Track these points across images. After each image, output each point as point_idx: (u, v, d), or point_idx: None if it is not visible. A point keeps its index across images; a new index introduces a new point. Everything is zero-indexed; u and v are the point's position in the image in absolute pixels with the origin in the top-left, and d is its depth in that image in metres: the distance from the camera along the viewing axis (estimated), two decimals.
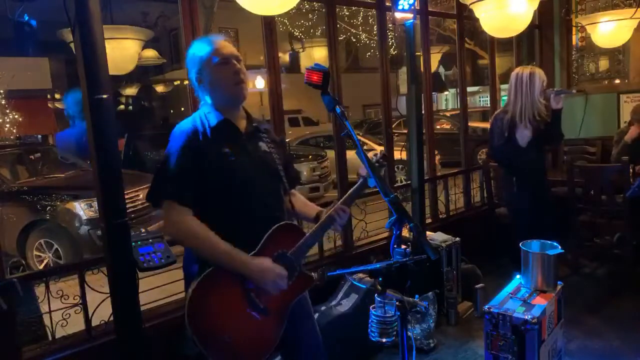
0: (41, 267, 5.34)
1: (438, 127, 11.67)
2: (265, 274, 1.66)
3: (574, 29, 5.42)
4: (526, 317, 2.26)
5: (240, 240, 1.67)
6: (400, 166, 7.67)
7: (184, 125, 1.76)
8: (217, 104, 1.79)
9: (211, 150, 1.70)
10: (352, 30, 15.15)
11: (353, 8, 12.84)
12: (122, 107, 18.26)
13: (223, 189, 1.70)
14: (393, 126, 4.10)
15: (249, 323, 1.69)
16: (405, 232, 3.24)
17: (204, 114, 1.78)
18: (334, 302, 3.09)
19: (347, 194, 1.87)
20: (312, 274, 1.81)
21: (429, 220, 4.26)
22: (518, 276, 2.64)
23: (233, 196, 1.71)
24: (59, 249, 5.39)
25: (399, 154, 4.03)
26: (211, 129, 1.73)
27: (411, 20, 3.29)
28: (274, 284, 1.67)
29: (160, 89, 18.20)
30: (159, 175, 1.72)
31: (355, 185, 1.86)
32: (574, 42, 5.48)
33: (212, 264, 1.64)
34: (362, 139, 10.13)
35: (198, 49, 1.77)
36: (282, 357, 2.00)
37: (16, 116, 12.43)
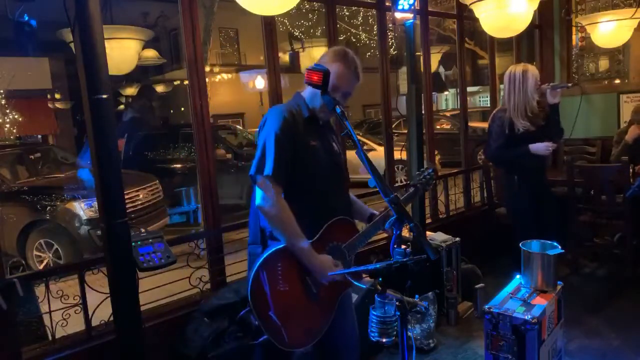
0: (41, 267, 5.34)
1: (438, 127, 11.68)
2: (323, 269, 1.76)
3: (574, 29, 5.42)
4: (526, 317, 2.25)
5: (304, 225, 1.77)
6: (400, 166, 7.67)
7: (282, 109, 1.85)
8: (312, 105, 1.89)
9: (302, 138, 1.82)
10: (352, 30, 15.15)
11: (353, 8, 12.86)
12: (122, 107, 18.27)
13: (305, 176, 1.83)
14: (393, 126, 4.10)
15: (303, 305, 1.80)
16: (405, 232, 3.24)
17: (297, 105, 1.89)
18: None
19: (402, 198, 1.95)
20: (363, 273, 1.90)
21: (429, 220, 4.26)
22: (518, 276, 2.64)
23: (311, 185, 1.85)
24: (59, 249, 5.39)
25: (399, 154, 4.03)
26: (304, 120, 1.85)
27: (411, 20, 3.29)
28: (327, 277, 1.77)
29: (160, 89, 18.18)
30: (263, 152, 1.78)
31: (407, 193, 2.00)
32: (574, 42, 5.48)
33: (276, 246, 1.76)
34: (362, 139, 10.13)
35: (347, 61, 1.83)
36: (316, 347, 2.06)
37: (16, 116, 12.43)
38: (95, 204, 4.80)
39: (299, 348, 1.86)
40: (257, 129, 1.90)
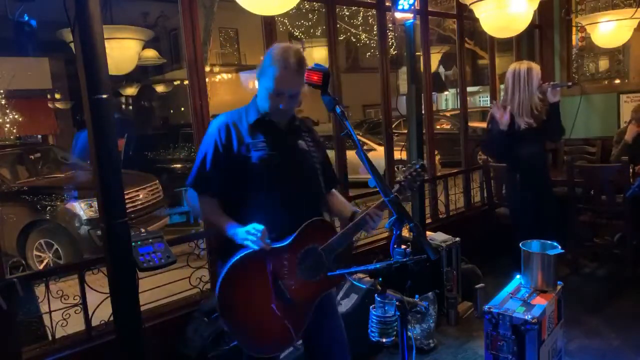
0: (41, 267, 5.34)
1: (438, 127, 11.66)
2: (245, 236, 1.72)
3: (574, 29, 5.42)
4: (526, 317, 2.25)
5: (274, 230, 1.74)
6: (400, 166, 7.65)
7: (220, 119, 1.86)
8: (262, 108, 1.85)
9: (242, 145, 1.80)
10: (352, 30, 15.13)
11: (353, 8, 12.85)
12: (122, 107, 18.27)
13: (255, 181, 1.79)
14: (393, 126, 4.10)
15: (274, 311, 1.75)
16: (405, 232, 3.24)
17: (247, 109, 1.88)
18: None
19: (382, 199, 1.86)
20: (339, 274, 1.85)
21: (429, 220, 4.26)
22: (518, 276, 2.63)
23: (264, 189, 1.80)
24: (59, 249, 5.39)
25: (399, 154, 4.03)
26: (249, 124, 1.83)
27: (411, 20, 3.29)
28: (254, 241, 1.70)
29: (160, 89, 18.18)
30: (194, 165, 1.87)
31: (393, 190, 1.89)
32: (574, 42, 5.48)
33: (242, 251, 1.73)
34: (362, 139, 10.13)
35: (274, 64, 1.76)
36: (305, 352, 2.07)
37: (16, 116, 12.43)
38: (95, 204, 4.81)
39: (270, 354, 1.82)
40: None
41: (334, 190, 2.07)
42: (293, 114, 1.91)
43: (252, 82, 15.85)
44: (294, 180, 1.84)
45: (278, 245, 1.75)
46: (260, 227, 1.70)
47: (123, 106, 18.38)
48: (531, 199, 3.50)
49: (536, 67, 3.35)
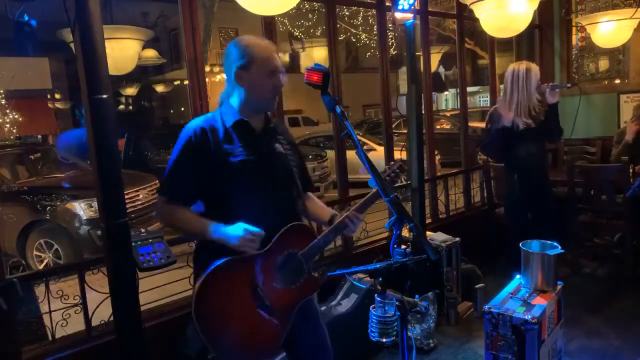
0: (41, 267, 5.34)
1: (438, 127, 11.67)
2: (230, 237, 1.67)
3: (574, 29, 5.42)
4: (526, 317, 2.26)
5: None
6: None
7: (193, 123, 1.78)
8: (244, 105, 1.79)
9: (221, 149, 1.73)
10: (352, 30, 15.14)
11: (353, 8, 12.85)
12: (122, 106, 18.27)
13: (234, 186, 1.73)
14: (393, 126, 4.10)
15: (255, 320, 1.71)
16: (405, 232, 3.25)
17: (222, 113, 1.80)
18: (334, 302, 3.09)
19: (361, 202, 1.86)
20: (316, 275, 1.83)
21: (429, 220, 4.25)
22: (518, 276, 2.64)
23: (244, 194, 1.74)
24: (59, 249, 5.39)
25: (399, 154, 4.03)
26: (226, 128, 1.76)
27: (411, 20, 3.29)
28: (240, 241, 1.66)
29: (160, 89, 18.20)
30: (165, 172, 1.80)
31: (369, 195, 1.85)
32: (574, 42, 5.48)
33: (220, 258, 1.66)
34: (362, 139, 10.13)
35: (254, 47, 1.73)
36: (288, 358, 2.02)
37: (16, 116, 12.44)
38: (95, 204, 4.81)
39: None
40: None
41: (309, 193, 2.03)
42: (268, 115, 1.88)
43: None
44: (272, 184, 1.80)
45: (257, 252, 1.69)
46: (254, 229, 1.66)
47: (122, 106, 18.38)
48: (528, 200, 3.52)
49: (535, 68, 3.36)
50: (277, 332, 1.75)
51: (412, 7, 3.16)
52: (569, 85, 3.68)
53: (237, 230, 1.66)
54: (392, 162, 1.88)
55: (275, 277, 1.74)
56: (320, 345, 1.95)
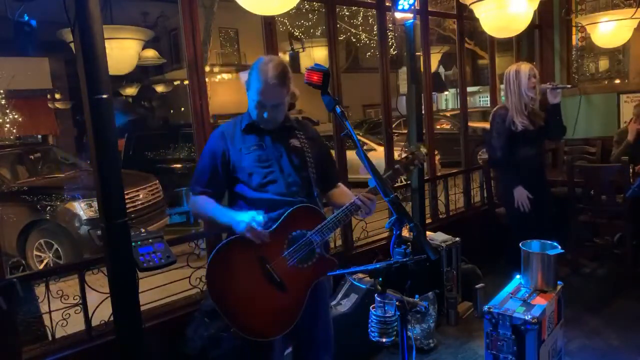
0: (41, 267, 5.34)
1: (438, 127, 11.66)
2: (240, 225, 1.81)
3: (574, 29, 5.42)
4: (526, 317, 2.25)
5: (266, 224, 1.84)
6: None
7: (217, 129, 2.05)
8: (252, 114, 1.99)
9: (235, 147, 1.96)
10: (352, 30, 15.13)
11: (353, 8, 12.84)
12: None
13: (247, 176, 1.93)
14: (393, 126, 4.10)
15: (266, 295, 1.82)
16: (405, 232, 3.24)
17: (241, 117, 2.03)
18: (333, 302, 3.09)
19: (373, 187, 1.89)
20: (334, 258, 1.92)
21: (429, 220, 4.25)
22: (518, 276, 2.64)
23: (259, 186, 1.93)
24: (59, 249, 5.39)
25: (399, 154, 4.02)
26: (241, 130, 1.98)
27: (411, 20, 3.29)
28: (249, 231, 1.79)
29: (160, 89, 18.19)
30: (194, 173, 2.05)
31: (388, 173, 1.95)
32: (574, 42, 5.48)
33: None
34: (362, 139, 10.13)
35: (255, 73, 1.88)
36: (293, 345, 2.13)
37: (16, 116, 12.44)
38: (95, 204, 4.81)
39: (270, 337, 1.87)
40: None
41: (339, 183, 2.16)
42: (284, 118, 2.00)
43: None
44: (282, 173, 1.94)
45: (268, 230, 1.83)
46: (260, 218, 1.79)
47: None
48: (530, 200, 3.52)
49: (525, 68, 3.37)
50: (290, 309, 1.85)
51: (412, 7, 3.16)
52: (569, 86, 3.69)
53: (244, 216, 1.80)
54: (413, 147, 1.99)
55: (286, 255, 1.85)
56: (326, 332, 2.07)
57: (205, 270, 1.85)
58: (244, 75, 1.98)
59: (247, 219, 1.79)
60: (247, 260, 1.82)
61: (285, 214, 1.85)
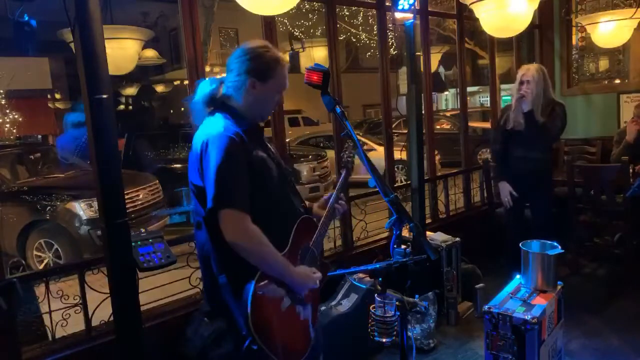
0: (41, 267, 5.34)
1: (438, 127, 11.67)
2: (306, 281, 1.71)
3: (574, 29, 5.42)
4: (526, 317, 2.26)
5: (274, 237, 1.64)
6: (400, 166, 7.67)
7: (222, 128, 1.64)
8: (247, 112, 1.74)
9: (251, 153, 1.66)
10: (352, 30, 15.14)
11: (353, 8, 12.84)
12: (122, 107, 18.28)
13: (265, 190, 1.68)
14: (393, 126, 4.10)
15: (296, 315, 1.75)
16: (405, 232, 3.24)
17: (230, 117, 1.70)
18: (334, 302, 3.09)
19: (338, 185, 1.93)
20: (325, 260, 1.90)
21: (429, 220, 4.26)
22: (518, 276, 2.64)
23: (272, 197, 1.71)
24: (59, 249, 5.39)
25: (399, 154, 4.03)
26: (245, 132, 1.66)
27: (411, 20, 3.29)
28: (308, 287, 1.73)
29: (160, 89, 18.21)
30: (221, 182, 1.58)
31: (340, 178, 1.93)
32: (574, 42, 5.48)
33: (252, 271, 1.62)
34: (362, 139, 10.13)
35: (278, 63, 1.71)
36: None
37: (16, 116, 12.44)
38: (95, 204, 4.81)
39: (302, 356, 1.78)
40: (194, 152, 1.68)
41: None
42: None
43: None
44: (284, 181, 1.80)
45: (284, 252, 1.69)
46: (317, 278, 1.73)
47: (123, 106, 18.38)
48: (518, 200, 3.59)
49: (520, 70, 3.48)
50: (312, 323, 1.81)
51: (412, 7, 3.16)
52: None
53: (310, 278, 1.70)
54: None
55: None
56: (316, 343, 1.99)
57: (249, 312, 1.57)
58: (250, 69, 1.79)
59: (313, 283, 1.71)
60: (281, 287, 1.67)
61: (292, 232, 1.72)
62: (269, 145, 1.83)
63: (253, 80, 1.68)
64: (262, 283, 1.62)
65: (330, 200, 1.86)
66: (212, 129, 1.64)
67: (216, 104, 1.75)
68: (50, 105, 15.37)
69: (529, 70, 3.41)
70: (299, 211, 1.80)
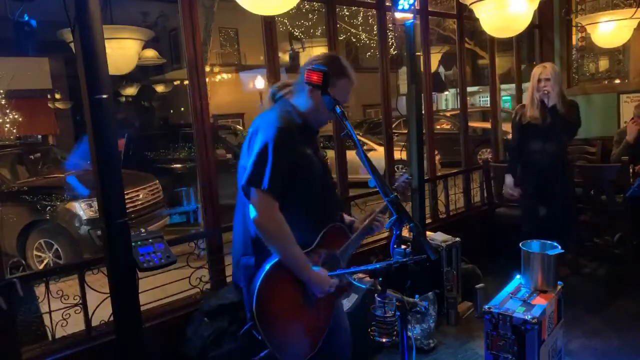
0: (41, 267, 5.34)
1: (438, 127, 11.66)
2: (321, 282, 1.73)
3: (574, 29, 5.42)
4: (526, 317, 2.26)
5: (300, 233, 1.70)
6: (400, 166, 7.67)
7: (276, 116, 1.72)
8: (306, 111, 1.80)
9: (299, 147, 1.73)
10: (352, 30, 15.13)
11: (353, 8, 12.83)
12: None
13: (305, 186, 1.74)
14: (393, 126, 4.10)
15: (305, 315, 1.76)
16: (405, 232, 3.25)
17: (287, 112, 1.77)
18: None
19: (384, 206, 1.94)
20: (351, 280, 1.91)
21: (429, 220, 4.26)
22: (518, 276, 2.64)
23: (309, 194, 1.76)
24: (59, 249, 5.39)
25: (399, 154, 4.03)
26: (297, 127, 1.74)
27: (411, 20, 3.29)
28: (325, 291, 1.75)
29: (160, 89, 18.19)
30: (258, 164, 1.65)
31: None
32: (574, 42, 5.48)
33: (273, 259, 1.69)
34: (362, 139, 10.13)
35: (349, 70, 1.81)
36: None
37: (16, 116, 12.44)
38: (95, 204, 4.81)
39: (303, 359, 1.80)
40: (247, 137, 1.77)
41: None
42: None
43: (252, 82, 15.86)
44: (327, 183, 1.87)
45: (305, 251, 1.73)
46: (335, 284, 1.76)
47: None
48: (530, 197, 3.57)
49: (535, 71, 3.53)
50: (321, 324, 1.82)
51: (412, 7, 3.16)
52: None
53: (326, 282, 1.73)
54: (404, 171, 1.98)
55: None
56: (348, 344, 2.03)
57: (255, 297, 1.63)
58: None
59: (329, 288, 1.73)
60: (292, 282, 1.71)
61: (320, 235, 1.77)
62: (320, 149, 1.91)
63: (329, 82, 1.69)
64: (278, 269, 1.68)
65: (370, 217, 1.93)
66: (267, 117, 1.75)
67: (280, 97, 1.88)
68: (50, 105, 15.34)
69: (546, 69, 3.47)
70: (332, 217, 1.85)
